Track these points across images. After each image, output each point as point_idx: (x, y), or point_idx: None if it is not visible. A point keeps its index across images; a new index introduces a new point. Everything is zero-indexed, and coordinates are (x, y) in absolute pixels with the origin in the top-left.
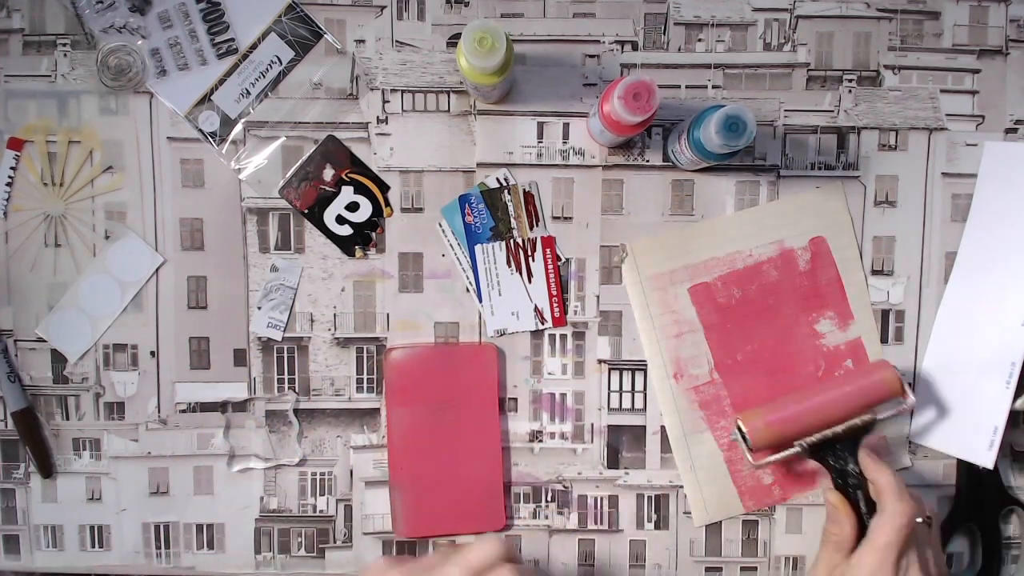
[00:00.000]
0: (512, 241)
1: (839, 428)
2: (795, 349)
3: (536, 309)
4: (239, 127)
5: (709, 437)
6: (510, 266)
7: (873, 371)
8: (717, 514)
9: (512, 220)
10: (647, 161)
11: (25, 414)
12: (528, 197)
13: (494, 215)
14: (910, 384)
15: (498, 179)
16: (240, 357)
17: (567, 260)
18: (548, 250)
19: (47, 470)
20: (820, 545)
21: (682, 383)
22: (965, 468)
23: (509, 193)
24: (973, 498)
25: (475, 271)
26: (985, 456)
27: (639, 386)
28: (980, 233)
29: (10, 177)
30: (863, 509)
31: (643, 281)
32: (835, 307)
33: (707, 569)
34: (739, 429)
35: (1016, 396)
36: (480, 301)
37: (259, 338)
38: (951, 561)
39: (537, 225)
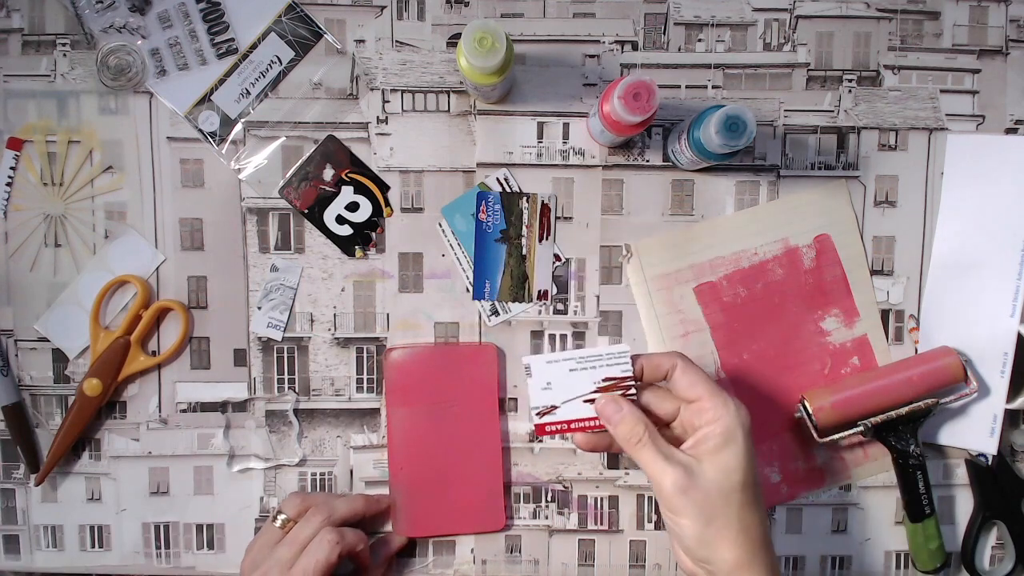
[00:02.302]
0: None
1: (902, 410)
2: (801, 347)
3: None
4: (239, 127)
5: None
6: None
7: (936, 357)
8: None
9: (524, 228)
10: (647, 161)
11: (15, 409)
12: (545, 209)
13: (508, 219)
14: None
15: (498, 179)
16: (240, 357)
17: (567, 260)
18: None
19: (35, 466)
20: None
21: None
22: (973, 468)
23: (527, 201)
24: (991, 494)
25: (477, 264)
26: (987, 443)
27: None
28: (953, 228)
29: (10, 177)
30: (921, 489)
31: (648, 281)
32: (841, 304)
33: None
34: (804, 408)
35: (1012, 389)
36: (479, 299)
37: (259, 338)
38: (992, 560)
39: (548, 238)
